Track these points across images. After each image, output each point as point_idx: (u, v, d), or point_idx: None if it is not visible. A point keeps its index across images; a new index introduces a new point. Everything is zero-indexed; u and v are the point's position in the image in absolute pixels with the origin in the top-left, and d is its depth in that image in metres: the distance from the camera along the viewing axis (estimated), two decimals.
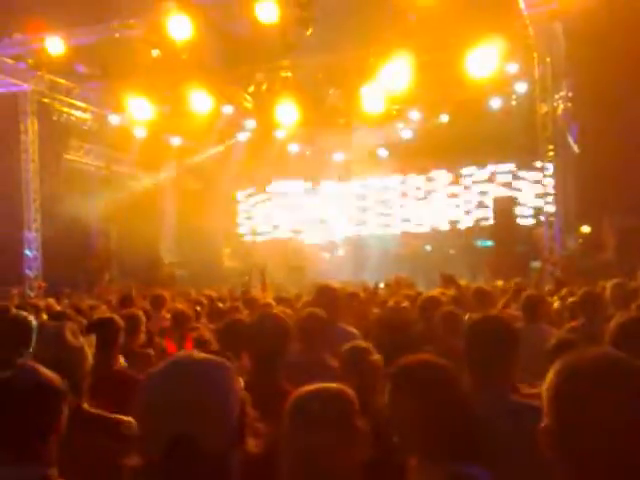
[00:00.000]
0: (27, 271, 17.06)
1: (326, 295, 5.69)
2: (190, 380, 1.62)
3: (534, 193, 18.86)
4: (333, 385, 2.22)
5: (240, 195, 21.74)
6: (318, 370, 4.31)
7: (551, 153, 15.68)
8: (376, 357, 3.56)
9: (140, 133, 18.22)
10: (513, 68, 15.60)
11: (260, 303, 7.37)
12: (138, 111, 17.66)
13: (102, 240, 18.48)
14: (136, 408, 1.67)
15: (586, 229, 15.70)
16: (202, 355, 1.71)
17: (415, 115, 17.19)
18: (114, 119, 18.55)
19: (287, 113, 17.62)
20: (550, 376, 1.61)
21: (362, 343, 3.86)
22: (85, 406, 3.01)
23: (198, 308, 7.48)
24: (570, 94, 15.54)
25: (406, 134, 18.18)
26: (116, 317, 4.68)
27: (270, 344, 3.70)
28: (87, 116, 18.71)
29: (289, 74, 17.76)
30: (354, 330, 5.63)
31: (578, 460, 1.52)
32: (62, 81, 17.73)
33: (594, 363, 1.58)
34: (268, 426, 1.80)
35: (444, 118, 16.99)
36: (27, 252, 17.67)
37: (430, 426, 2.25)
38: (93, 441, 2.73)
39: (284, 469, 2.09)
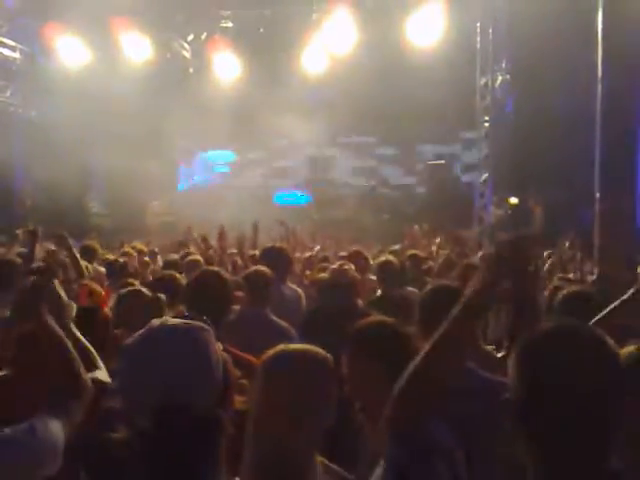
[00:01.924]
0: None
1: (272, 255, 5.74)
2: (174, 347, 1.64)
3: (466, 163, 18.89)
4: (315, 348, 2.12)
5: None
6: (262, 325, 4.44)
7: (486, 124, 15.83)
8: None
9: (73, 77, 17.53)
10: (455, 37, 15.51)
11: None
12: (70, 54, 17.01)
13: (27, 185, 17.89)
14: (120, 380, 1.70)
15: (514, 200, 15.96)
16: (178, 321, 1.73)
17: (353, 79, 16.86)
18: (44, 60, 17.80)
19: (226, 66, 17.27)
20: (517, 347, 1.62)
21: None
22: None
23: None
24: (509, 66, 15.61)
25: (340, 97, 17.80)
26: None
27: (212, 303, 3.61)
28: (16, 55, 17.89)
29: (229, 24, 17.35)
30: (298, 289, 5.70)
31: (545, 429, 1.53)
32: None
33: (559, 332, 1.60)
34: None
35: (381, 85, 16.67)
36: None
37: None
38: None
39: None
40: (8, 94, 17.96)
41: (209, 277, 3.91)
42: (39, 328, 2.25)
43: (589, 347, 1.56)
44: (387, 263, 5.93)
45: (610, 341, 1.58)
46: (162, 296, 3.92)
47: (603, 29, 6.84)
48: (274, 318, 4.55)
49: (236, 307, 4.47)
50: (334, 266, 6.05)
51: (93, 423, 2.15)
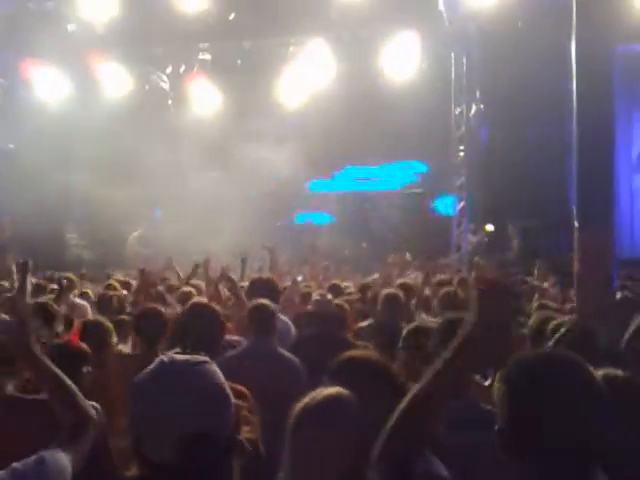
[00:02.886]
0: None
1: (264, 286, 5.81)
2: (190, 379, 1.72)
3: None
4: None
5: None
6: (271, 360, 4.45)
7: (461, 153, 16.10)
8: None
9: (51, 109, 17.57)
10: (429, 66, 15.83)
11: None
12: (49, 87, 17.08)
13: (6, 218, 17.79)
14: (135, 416, 1.72)
15: (490, 228, 16.20)
16: (185, 356, 1.81)
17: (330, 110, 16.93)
18: (23, 93, 17.84)
19: (204, 98, 17.45)
20: (503, 378, 1.66)
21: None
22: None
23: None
24: (482, 96, 15.93)
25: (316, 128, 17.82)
26: None
27: (204, 336, 3.69)
28: None
29: (208, 57, 17.54)
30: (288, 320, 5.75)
31: (536, 457, 1.56)
32: None
33: (547, 361, 1.65)
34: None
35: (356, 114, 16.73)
36: None
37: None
38: None
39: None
40: None
41: (201, 309, 3.96)
42: (32, 363, 2.29)
43: (571, 376, 1.60)
44: (394, 296, 5.97)
45: (591, 369, 1.63)
46: None
47: (577, 58, 7.04)
48: (280, 349, 4.60)
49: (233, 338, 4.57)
50: (317, 297, 6.16)
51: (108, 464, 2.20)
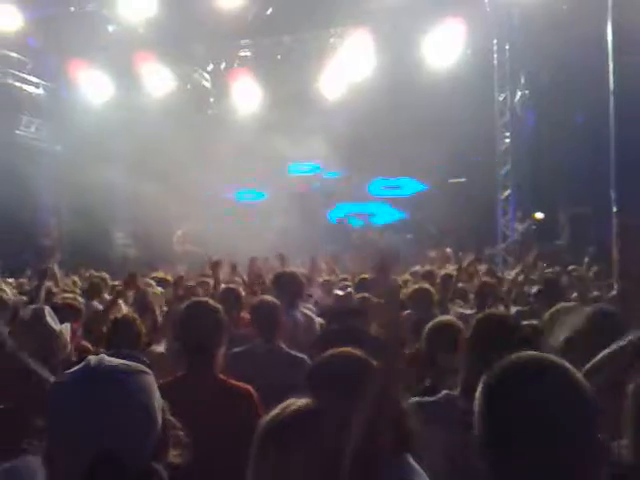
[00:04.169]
0: None
1: (284, 280, 5.80)
2: (107, 390, 1.45)
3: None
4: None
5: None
6: (272, 356, 4.39)
7: (507, 140, 15.80)
8: None
9: (95, 110, 17.84)
10: (471, 54, 15.57)
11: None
12: (93, 88, 17.36)
13: (53, 218, 18.15)
14: (47, 424, 1.48)
15: (540, 215, 15.82)
16: (116, 361, 1.53)
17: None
18: (68, 95, 18.16)
19: (246, 94, 17.49)
20: (483, 384, 1.57)
21: None
22: None
23: None
24: (526, 82, 15.60)
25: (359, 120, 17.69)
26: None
27: (202, 335, 3.50)
28: (40, 91, 18.27)
29: (248, 53, 17.58)
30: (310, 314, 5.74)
31: (516, 466, 1.45)
32: (15, 55, 17.29)
33: (523, 366, 1.54)
34: (188, 435, 1.64)
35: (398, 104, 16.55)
36: None
37: None
38: None
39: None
40: (33, 129, 18.31)
41: (199, 308, 3.71)
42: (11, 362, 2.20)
43: (553, 381, 1.48)
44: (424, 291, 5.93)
45: (575, 371, 1.52)
46: None
47: (613, 40, 6.82)
48: (284, 347, 4.50)
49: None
50: (339, 291, 6.15)
51: None
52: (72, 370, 1.52)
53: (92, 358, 1.52)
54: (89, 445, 1.40)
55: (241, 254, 9.57)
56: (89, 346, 4.36)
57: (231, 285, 6.36)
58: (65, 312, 4.50)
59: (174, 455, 1.56)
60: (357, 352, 2.36)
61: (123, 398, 1.46)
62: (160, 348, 5.21)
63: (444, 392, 2.93)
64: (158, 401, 1.54)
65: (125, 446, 1.43)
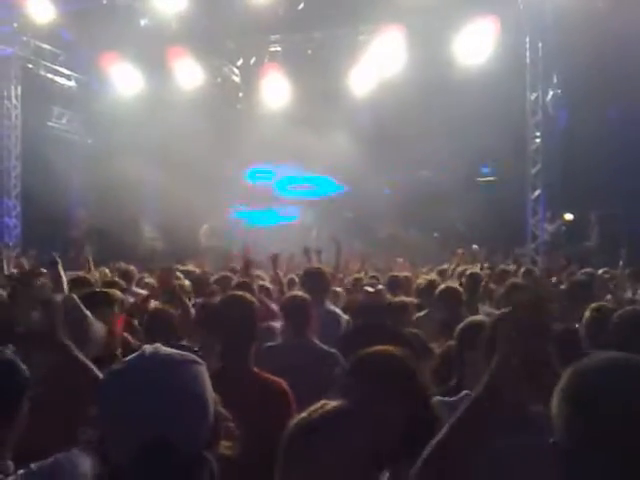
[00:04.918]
0: (6, 239, 16.86)
1: (313, 277, 5.85)
2: (162, 377, 1.46)
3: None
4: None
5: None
6: (306, 353, 4.38)
7: (538, 140, 15.62)
8: None
9: (126, 103, 17.96)
10: (503, 52, 15.39)
11: None
12: (124, 81, 17.47)
13: (83, 210, 18.31)
14: (99, 410, 1.49)
15: (569, 216, 15.66)
16: (170, 350, 1.54)
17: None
18: (100, 88, 18.30)
19: (275, 89, 17.48)
20: (563, 386, 1.51)
21: None
22: None
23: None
24: (559, 81, 15.41)
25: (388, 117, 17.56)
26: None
27: (237, 328, 3.53)
28: (71, 83, 18.43)
29: (278, 48, 17.57)
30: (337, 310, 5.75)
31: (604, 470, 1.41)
32: (47, 47, 17.47)
33: (609, 366, 1.50)
34: (240, 426, 1.64)
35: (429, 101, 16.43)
36: (7, 220, 17.53)
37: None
38: None
39: None
40: (64, 121, 18.51)
41: (235, 301, 3.74)
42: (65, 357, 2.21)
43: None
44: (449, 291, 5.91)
45: None
46: None
47: None
48: (317, 342, 4.51)
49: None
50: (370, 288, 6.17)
51: None
52: (128, 358, 1.52)
53: (147, 347, 1.53)
54: (143, 430, 1.41)
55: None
56: (130, 338, 4.37)
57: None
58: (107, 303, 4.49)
59: (225, 447, 1.56)
60: (397, 349, 2.36)
61: (178, 386, 1.47)
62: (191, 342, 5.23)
63: (464, 392, 2.91)
64: (210, 392, 1.54)
65: (179, 432, 1.43)
